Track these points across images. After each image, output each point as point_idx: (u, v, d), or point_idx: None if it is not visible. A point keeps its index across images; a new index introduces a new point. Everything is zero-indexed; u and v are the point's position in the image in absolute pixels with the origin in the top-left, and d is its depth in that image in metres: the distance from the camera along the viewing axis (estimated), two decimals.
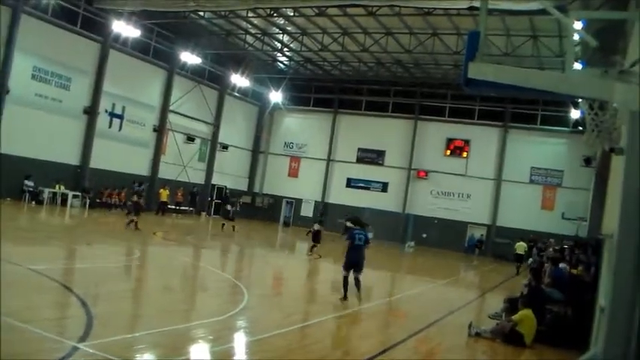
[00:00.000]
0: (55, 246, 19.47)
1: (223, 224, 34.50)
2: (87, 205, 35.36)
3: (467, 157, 47.03)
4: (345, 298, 15.15)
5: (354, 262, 15.27)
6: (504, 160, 45.87)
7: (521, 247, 33.08)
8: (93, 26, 35.54)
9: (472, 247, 45.14)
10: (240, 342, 10.24)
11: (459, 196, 47.01)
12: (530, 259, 31.08)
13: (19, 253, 16.37)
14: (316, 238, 26.34)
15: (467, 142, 47.16)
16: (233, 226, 33.88)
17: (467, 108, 47.19)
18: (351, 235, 15.66)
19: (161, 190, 39.17)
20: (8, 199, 29.36)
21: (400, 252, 40.39)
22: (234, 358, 9.21)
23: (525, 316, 12.67)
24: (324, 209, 48.45)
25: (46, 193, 33.13)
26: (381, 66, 44.44)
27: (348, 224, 17.09)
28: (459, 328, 13.31)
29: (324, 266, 23.00)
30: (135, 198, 27.15)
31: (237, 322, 11.48)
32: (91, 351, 7.86)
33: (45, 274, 13.09)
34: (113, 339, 8.69)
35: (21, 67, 31.36)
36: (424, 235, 45.82)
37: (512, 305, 13.93)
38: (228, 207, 35.51)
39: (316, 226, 27.20)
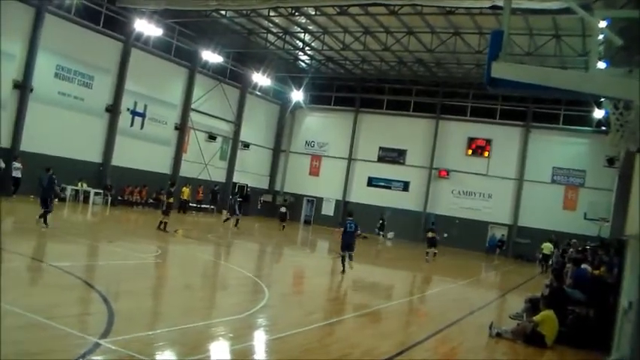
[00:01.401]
0: (78, 243, 19.59)
1: (233, 219, 34.62)
2: (109, 203, 35.61)
3: (488, 157, 46.85)
4: (343, 271, 20.22)
5: (346, 244, 20.35)
6: (526, 160, 45.62)
7: (547, 247, 34.11)
8: (115, 25, 35.80)
9: (493, 247, 44.92)
10: (260, 340, 10.24)
11: (480, 195, 46.82)
12: (552, 260, 31.10)
13: (42, 250, 16.56)
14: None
15: (488, 141, 46.95)
16: (237, 220, 34.29)
17: (489, 107, 46.98)
18: (344, 224, 21.22)
19: (183, 189, 39.40)
20: (32, 196, 29.60)
21: (421, 252, 40.22)
22: (254, 356, 9.20)
23: (547, 316, 12.57)
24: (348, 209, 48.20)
25: (69, 190, 33.41)
26: (402, 65, 44.32)
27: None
28: (480, 328, 13.24)
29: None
30: (167, 198, 26.64)
31: (257, 320, 11.49)
32: (112, 347, 7.92)
33: (67, 271, 13.21)
34: (134, 336, 8.73)
35: (44, 66, 31.69)
36: (445, 235, 45.49)
37: (533, 306, 13.83)
38: (233, 201, 35.67)
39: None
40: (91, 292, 11.62)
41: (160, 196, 38.55)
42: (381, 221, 42.63)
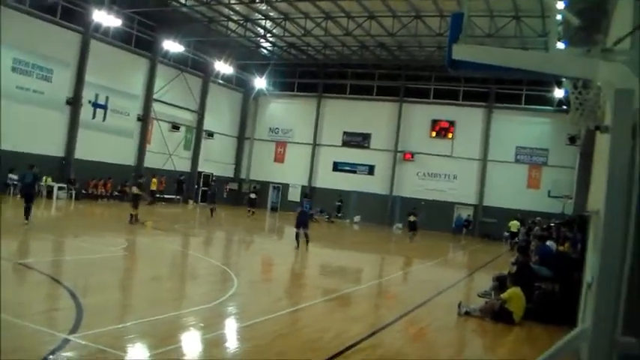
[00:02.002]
0: (43, 239, 19.37)
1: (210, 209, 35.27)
2: (73, 197, 35.19)
3: (452, 138, 47.26)
4: (297, 247, 22.60)
5: (301, 222, 22.96)
6: (490, 141, 46.13)
7: (514, 225, 35.75)
8: (73, 16, 35.24)
9: (460, 227, 45.36)
10: (230, 328, 10.26)
11: (445, 177, 47.24)
12: (518, 238, 31.70)
13: (7, 247, 16.30)
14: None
15: (452, 123, 47.31)
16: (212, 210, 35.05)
17: (451, 89, 47.32)
18: (301, 204, 23.93)
19: (153, 180, 39.06)
20: None
21: (388, 235, 40.53)
22: (226, 344, 9.21)
23: (514, 293, 12.76)
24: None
25: None
26: (365, 49, 44.34)
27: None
28: (448, 308, 13.40)
29: (312, 251, 22.99)
30: (135, 190, 26.46)
31: (227, 308, 11.50)
32: (82, 342, 7.86)
33: (33, 267, 13.07)
34: (103, 329, 8.68)
35: (1, 60, 31.05)
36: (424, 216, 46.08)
37: (501, 283, 14.03)
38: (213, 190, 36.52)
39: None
40: (58, 288, 11.51)
41: (125, 188, 38.28)
42: (339, 204, 43.62)
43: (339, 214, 44.33)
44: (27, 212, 20.55)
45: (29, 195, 21.19)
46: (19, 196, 22.34)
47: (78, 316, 9.23)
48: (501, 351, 10.85)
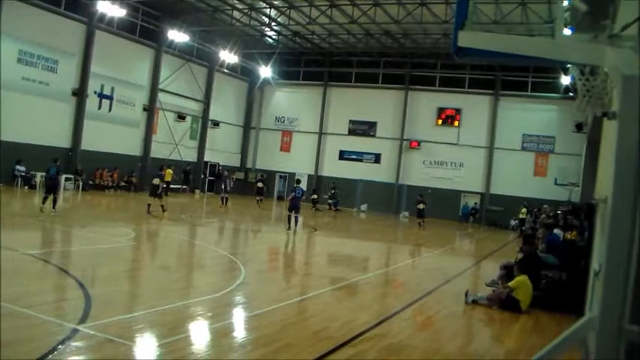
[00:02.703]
0: (51, 230, 19.46)
1: (222, 199, 35.65)
2: (80, 188, 35.24)
3: (458, 126, 47.11)
4: (289, 229, 24.63)
5: (293, 206, 25.16)
6: (496, 128, 45.97)
7: (524, 212, 36.20)
8: (77, 7, 35.16)
9: (466, 215, 45.31)
10: (238, 318, 10.29)
11: (451, 165, 47.14)
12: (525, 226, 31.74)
13: (15, 238, 16.37)
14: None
15: (458, 111, 47.15)
16: (225, 199, 35.51)
17: (457, 77, 47.16)
18: (293, 189, 25.90)
19: (166, 170, 38.89)
20: (0, 184, 29.24)
21: (394, 224, 40.52)
22: (234, 334, 9.23)
23: (521, 282, 12.74)
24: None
25: (38, 177, 32.95)
26: (370, 37, 44.18)
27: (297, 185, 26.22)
28: (456, 296, 13.41)
29: (319, 240, 23.06)
30: (157, 181, 26.80)
31: (234, 297, 11.52)
32: (91, 332, 7.90)
33: (42, 258, 13.12)
34: (112, 319, 8.72)
35: (6, 52, 30.98)
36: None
37: (508, 272, 14.00)
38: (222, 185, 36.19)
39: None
40: (66, 278, 11.56)
41: (131, 179, 38.31)
42: (332, 191, 43.97)
43: (330, 202, 44.51)
44: (54, 203, 22.14)
45: (54, 187, 22.51)
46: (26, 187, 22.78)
47: (86, 306, 9.27)
48: (509, 340, 10.83)
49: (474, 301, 12.87)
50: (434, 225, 38.37)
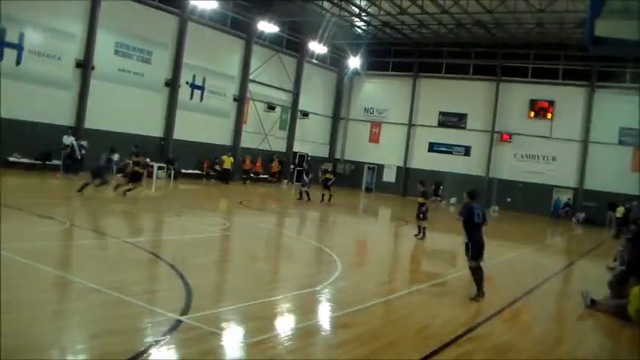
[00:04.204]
0: (148, 219, 19.80)
1: (301, 192, 33.00)
2: (172, 177, 35.87)
3: (551, 119, 45.48)
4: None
5: (483, 247, 12.75)
6: (591, 121, 44.21)
7: (620, 211, 33.98)
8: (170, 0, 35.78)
9: (558, 211, 43.90)
10: (339, 313, 9.96)
11: (544, 158, 45.72)
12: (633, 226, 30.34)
13: (114, 226, 16.72)
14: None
15: (551, 103, 45.60)
16: (307, 192, 32.69)
17: (550, 68, 45.53)
18: (469, 211, 12.69)
19: (224, 157, 38.89)
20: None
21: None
22: (336, 329, 9.02)
23: (635, 295, 11.52)
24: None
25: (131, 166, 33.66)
26: (461, 27, 43.20)
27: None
28: (557, 296, 12.96)
29: (409, 232, 22.57)
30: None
31: (333, 292, 11.28)
32: (195, 324, 7.86)
33: (141, 247, 13.28)
34: (214, 311, 8.72)
35: (104, 43, 31.86)
36: (508, 200, 44.91)
37: (619, 280, 12.99)
38: (305, 177, 33.96)
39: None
40: (166, 267, 11.60)
41: (216, 166, 38.72)
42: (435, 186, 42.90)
43: (437, 198, 42.73)
44: (84, 186, 21.67)
45: (98, 173, 22.47)
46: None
47: (187, 296, 9.25)
48: (619, 349, 10.24)
49: (593, 301, 12.12)
50: (525, 220, 37.41)
